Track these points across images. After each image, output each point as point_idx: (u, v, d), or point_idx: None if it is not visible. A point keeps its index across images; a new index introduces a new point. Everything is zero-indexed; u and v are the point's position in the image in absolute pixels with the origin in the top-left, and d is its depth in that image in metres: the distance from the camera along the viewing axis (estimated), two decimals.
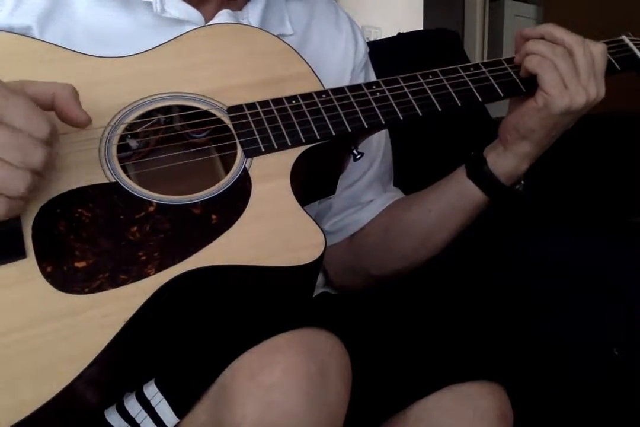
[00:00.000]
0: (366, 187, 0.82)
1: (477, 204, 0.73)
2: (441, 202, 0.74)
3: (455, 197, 0.73)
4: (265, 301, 0.57)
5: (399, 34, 1.42)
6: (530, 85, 0.67)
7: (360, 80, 0.83)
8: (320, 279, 0.82)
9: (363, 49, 0.84)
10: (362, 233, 0.81)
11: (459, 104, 0.65)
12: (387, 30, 2.07)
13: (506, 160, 0.70)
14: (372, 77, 0.85)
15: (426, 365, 0.63)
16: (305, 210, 0.57)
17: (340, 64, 0.81)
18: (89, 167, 0.56)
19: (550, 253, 1.03)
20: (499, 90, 0.66)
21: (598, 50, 0.65)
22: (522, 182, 0.72)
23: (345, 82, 0.80)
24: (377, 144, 0.83)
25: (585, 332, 0.93)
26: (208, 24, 0.69)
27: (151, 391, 0.54)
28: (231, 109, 0.61)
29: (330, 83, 0.65)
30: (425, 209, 0.76)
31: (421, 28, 2.35)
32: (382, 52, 1.04)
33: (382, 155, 0.84)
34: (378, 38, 2.08)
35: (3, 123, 0.47)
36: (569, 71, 0.64)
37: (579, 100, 0.64)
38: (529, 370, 0.89)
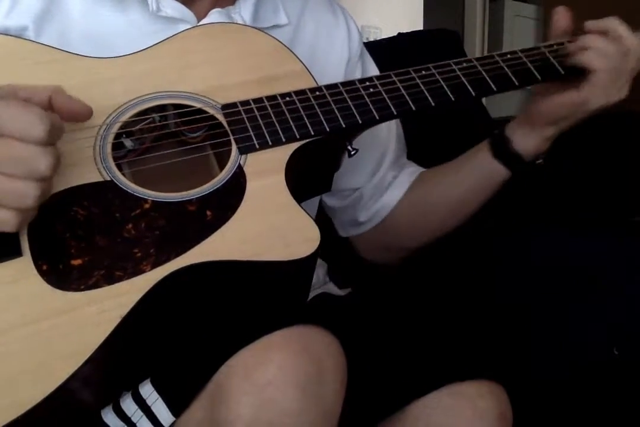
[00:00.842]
0: (387, 170, 0.83)
1: (501, 180, 0.75)
2: (466, 180, 0.77)
3: (480, 175, 0.76)
4: (262, 298, 0.57)
5: (399, 34, 1.43)
6: (523, 80, 0.67)
7: (358, 71, 0.83)
8: (319, 278, 0.82)
9: (357, 38, 0.84)
10: (393, 212, 0.82)
11: (452, 98, 0.65)
12: (387, 30, 2.08)
13: (531, 141, 0.72)
14: (372, 68, 0.85)
15: (425, 364, 0.63)
16: (300, 206, 0.57)
17: (338, 52, 0.81)
18: (84, 165, 0.56)
19: (551, 253, 1.03)
20: (491, 84, 0.66)
21: None
22: (543, 157, 0.74)
23: (342, 71, 0.81)
24: (388, 128, 0.84)
25: (585, 332, 0.93)
26: (201, 23, 0.69)
27: (147, 390, 0.54)
28: (225, 107, 0.61)
29: (328, 73, 0.65)
30: (452, 186, 0.79)
31: (421, 28, 2.36)
32: (382, 52, 1.04)
33: (396, 138, 0.85)
34: (378, 38, 2.09)
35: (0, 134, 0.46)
36: (622, 72, 0.65)
37: (612, 100, 0.66)
38: (528, 369, 0.89)
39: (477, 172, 0.76)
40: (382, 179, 0.83)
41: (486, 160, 0.75)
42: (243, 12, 0.72)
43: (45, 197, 0.50)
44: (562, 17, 0.71)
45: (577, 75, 0.68)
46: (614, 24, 0.68)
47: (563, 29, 0.71)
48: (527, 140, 0.72)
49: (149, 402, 0.53)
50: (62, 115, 0.51)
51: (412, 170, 0.84)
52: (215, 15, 0.70)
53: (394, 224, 0.82)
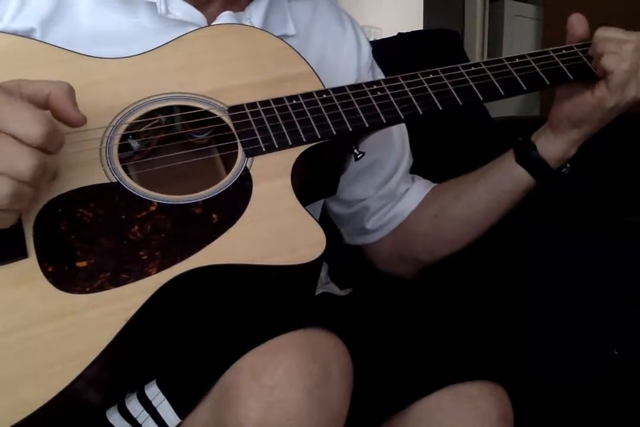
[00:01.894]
0: (399, 181, 0.83)
1: (525, 188, 0.75)
2: (491, 188, 0.76)
3: (505, 182, 0.75)
4: (267, 301, 0.57)
5: (399, 34, 1.42)
6: (531, 85, 0.67)
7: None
8: (321, 278, 0.82)
9: (367, 50, 0.84)
10: (408, 223, 0.82)
11: (460, 103, 0.64)
12: (387, 30, 2.08)
13: (556, 146, 0.72)
14: (380, 77, 0.85)
15: (427, 365, 0.63)
16: (306, 209, 0.57)
17: (345, 64, 0.81)
18: (90, 167, 0.56)
19: (550, 253, 1.03)
20: (499, 88, 0.66)
21: None
22: (568, 165, 0.74)
23: (350, 82, 0.80)
24: (401, 141, 0.84)
25: (585, 332, 0.93)
26: (209, 25, 0.69)
27: (153, 391, 0.54)
28: (232, 109, 0.61)
29: (334, 84, 0.65)
30: (475, 195, 0.78)
31: (421, 28, 2.36)
32: (382, 52, 1.04)
33: (409, 150, 0.85)
34: (378, 38, 2.08)
35: None
36: (636, 69, 0.65)
37: (627, 98, 0.66)
38: (529, 370, 0.89)
39: (500, 180, 0.76)
40: (394, 190, 0.82)
41: (510, 166, 0.74)
42: (254, 19, 0.72)
43: (23, 204, 0.48)
44: (577, 22, 0.70)
45: (587, 78, 0.68)
46: (607, 32, 0.68)
47: (580, 33, 0.70)
48: (551, 145, 0.72)
49: (154, 403, 0.53)
50: (54, 116, 0.51)
51: (425, 183, 0.84)
52: (226, 18, 0.70)
53: (408, 235, 0.82)
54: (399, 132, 0.83)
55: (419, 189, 0.83)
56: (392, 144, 0.82)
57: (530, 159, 0.73)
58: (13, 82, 0.49)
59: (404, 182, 0.83)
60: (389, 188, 0.82)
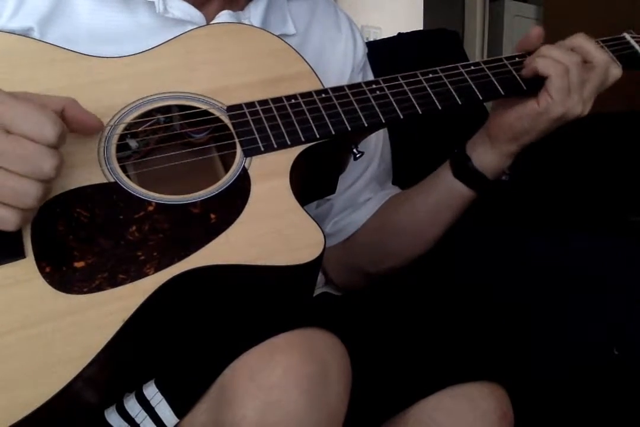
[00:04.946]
0: (364, 186, 0.82)
1: (465, 200, 0.73)
2: (429, 202, 0.75)
3: (443, 195, 0.74)
4: (265, 301, 0.57)
5: (399, 34, 1.42)
6: (531, 84, 0.67)
7: (359, 81, 0.82)
8: (320, 278, 0.82)
9: (362, 50, 0.84)
10: (356, 232, 0.81)
11: (460, 102, 0.64)
12: (387, 30, 2.08)
13: (491, 157, 0.70)
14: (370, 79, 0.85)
15: (426, 365, 0.63)
16: (304, 210, 0.56)
17: (340, 64, 0.81)
18: (88, 167, 0.56)
19: (550, 253, 1.03)
20: (499, 88, 0.66)
21: (615, 75, 0.66)
22: (507, 173, 0.72)
23: (344, 82, 0.80)
24: (375, 143, 0.83)
25: (585, 332, 0.93)
26: (208, 24, 0.69)
27: (151, 391, 0.54)
28: (230, 108, 0.61)
29: (330, 83, 0.65)
30: (414, 209, 0.76)
31: (421, 28, 2.36)
32: (382, 52, 1.04)
33: (380, 155, 0.84)
34: (378, 38, 2.09)
35: (8, 131, 0.46)
36: (578, 81, 0.63)
37: (574, 112, 0.64)
38: (529, 370, 0.89)
39: (438, 193, 0.74)
40: (357, 195, 0.82)
41: (447, 179, 0.73)
42: (253, 19, 0.72)
43: (45, 199, 0.50)
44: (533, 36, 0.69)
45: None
46: (579, 39, 0.67)
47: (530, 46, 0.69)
48: (487, 158, 0.70)
49: (152, 403, 0.53)
50: (72, 126, 0.52)
51: (388, 193, 0.83)
52: (225, 17, 0.70)
53: (357, 244, 0.81)
54: (375, 137, 0.82)
55: (378, 201, 0.82)
56: (365, 147, 0.80)
57: (466, 172, 0.71)
58: (24, 94, 0.50)
59: (368, 189, 0.82)
60: (353, 191, 0.81)
